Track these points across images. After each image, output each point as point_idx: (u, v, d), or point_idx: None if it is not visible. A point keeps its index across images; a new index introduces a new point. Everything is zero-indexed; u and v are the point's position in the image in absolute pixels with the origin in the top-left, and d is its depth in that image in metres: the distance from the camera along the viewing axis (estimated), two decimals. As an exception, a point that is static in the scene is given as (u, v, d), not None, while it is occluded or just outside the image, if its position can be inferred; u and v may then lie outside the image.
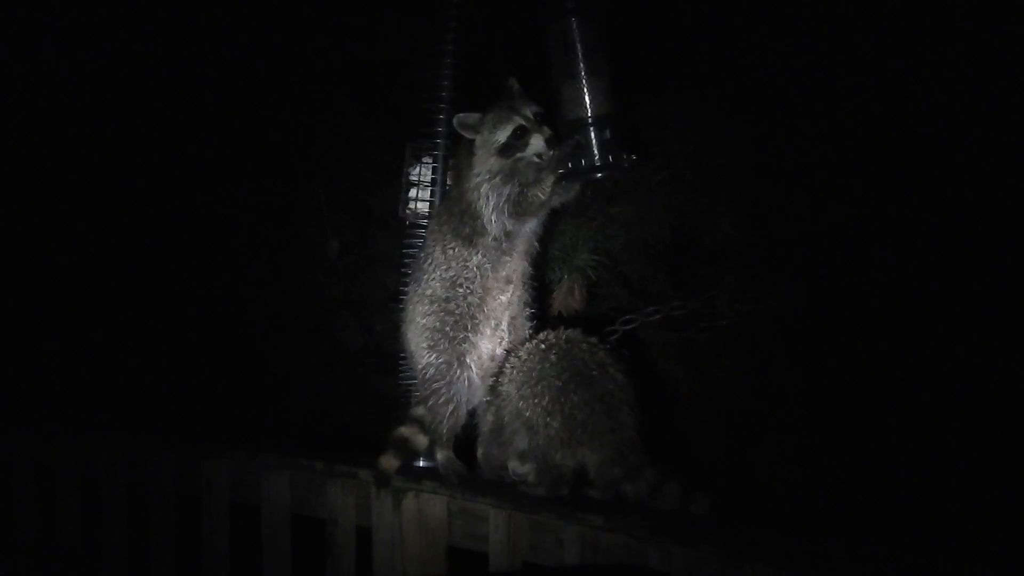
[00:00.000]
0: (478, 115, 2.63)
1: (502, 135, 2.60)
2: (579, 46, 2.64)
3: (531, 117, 2.61)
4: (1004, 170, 3.90)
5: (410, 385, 2.84)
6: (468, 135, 2.64)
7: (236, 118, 4.51)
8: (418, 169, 2.94)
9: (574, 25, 2.63)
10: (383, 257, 3.46)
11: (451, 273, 2.69)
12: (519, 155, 2.60)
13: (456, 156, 2.78)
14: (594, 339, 2.63)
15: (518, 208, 2.61)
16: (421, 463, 2.85)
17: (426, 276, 2.74)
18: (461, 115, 2.64)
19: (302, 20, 4.24)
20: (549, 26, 2.67)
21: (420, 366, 2.72)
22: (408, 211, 2.96)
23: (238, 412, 4.46)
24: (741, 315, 3.81)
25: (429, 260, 2.74)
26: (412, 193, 2.95)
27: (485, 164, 2.63)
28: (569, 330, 2.64)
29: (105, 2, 4.66)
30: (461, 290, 2.67)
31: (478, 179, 2.63)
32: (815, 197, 3.88)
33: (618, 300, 3.69)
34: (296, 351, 4.52)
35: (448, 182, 2.91)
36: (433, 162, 2.91)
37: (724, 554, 2.16)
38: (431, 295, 2.72)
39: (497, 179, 2.61)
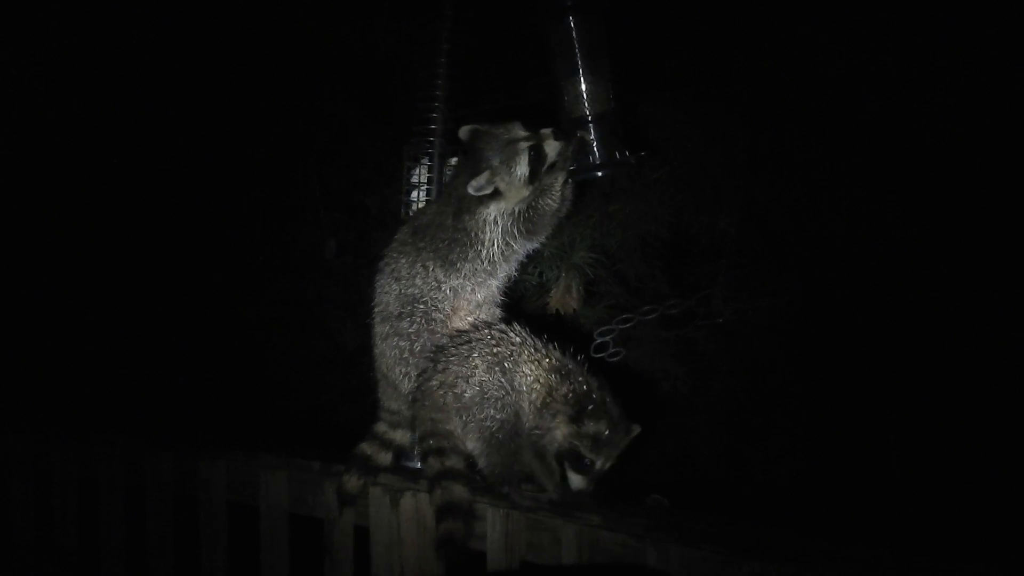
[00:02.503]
0: (486, 173, 2.48)
1: (523, 167, 2.50)
2: (579, 45, 2.64)
3: (527, 133, 2.53)
4: (999, 165, 3.91)
5: (377, 400, 2.81)
6: (488, 191, 2.50)
7: (233, 119, 4.51)
8: (417, 170, 2.92)
9: (573, 24, 2.64)
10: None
11: (413, 290, 2.60)
12: (544, 168, 2.53)
13: (452, 189, 2.65)
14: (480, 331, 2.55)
15: (530, 224, 2.54)
16: (419, 464, 2.85)
17: (381, 289, 2.67)
18: (472, 183, 2.47)
19: (298, 22, 4.23)
20: (549, 25, 2.67)
21: (403, 390, 2.66)
22: (411, 214, 2.94)
23: (236, 412, 4.46)
24: (738, 313, 3.81)
25: (390, 272, 2.66)
26: (414, 195, 2.93)
27: (517, 198, 2.53)
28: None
29: (105, 4, 4.65)
30: (422, 306, 2.59)
31: (494, 212, 2.53)
32: (811, 195, 3.89)
33: (615, 298, 3.69)
34: (294, 351, 4.52)
35: (439, 190, 2.85)
36: (430, 161, 2.91)
37: (722, 553, 2.17)
38: (382, 311, 2.66)
39: (509, 203, 2.53)
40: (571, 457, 2.42)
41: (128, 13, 4.59)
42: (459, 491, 2.48)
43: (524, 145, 2.50)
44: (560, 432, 2.43)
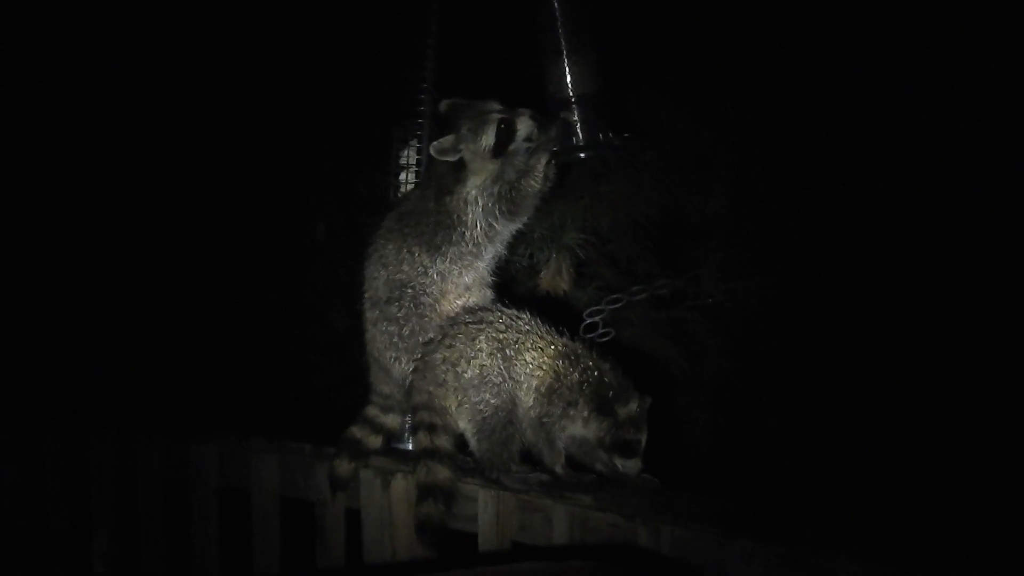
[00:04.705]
0: (451, 136, 2.49)
1: (489, 138, 2.49)
2: (563, 25, 2.63)
3: (502, 108, 2.52)
4: (991, 147, 3.91)
5: (368, 384, 2.80)
6: (452, 157, 2.50)
7: (222, 105, 4.49)
8: (406, 152, 2.91)
9: (557, 4, 2.62)
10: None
11: (401, 276, 2.59)
12: (512, 147, 2.52)
13: (431, 172, 2.64)
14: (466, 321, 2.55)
15: (511, 205, 2.53)
16: (410, 446, 2.85)
17: (369, 276, 2.66)
18: (435, 143, 2.49)
19: (287, 7, 4.21)
20: (534, 5, 2.66)
21: (395, 374, 2.66)
22: (400, 195, 2.93)
23: (227, 396, 4.46)
24: (728, 293, 3.82)
25: (378, 258, 2.64)
26: (402, 177, 2.93)
27: (482, 173, 2.52)
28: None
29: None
30: (410, 291, 2.58)
31: (472, 190, 2.52)
32: (801, 175, 3.89)
33: (606, 279, 3.69)
34: (284, 335, 4.52)
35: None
36: (419, 143, 2.90)
37: (712, 531, 2.17)
38: (371, 297, 2.66)
39: (487, 181, 2.52)
40: (620, 446, 2.41)
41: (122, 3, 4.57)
42: (443, 473, 2.49)
43: (495, 116, 2.50)
44: (593, 428, 2.41)
